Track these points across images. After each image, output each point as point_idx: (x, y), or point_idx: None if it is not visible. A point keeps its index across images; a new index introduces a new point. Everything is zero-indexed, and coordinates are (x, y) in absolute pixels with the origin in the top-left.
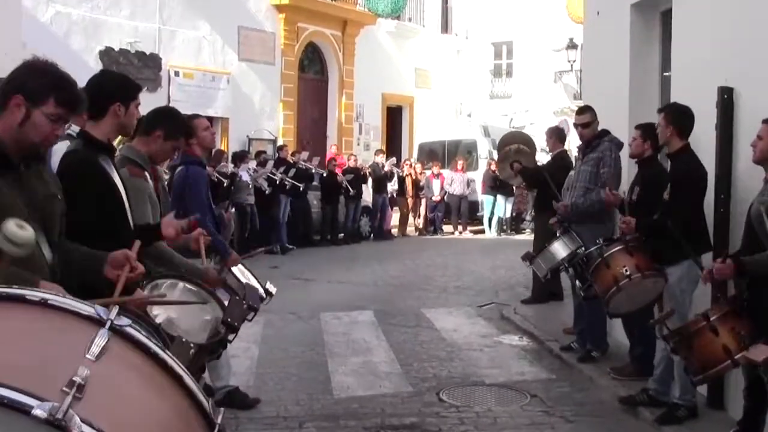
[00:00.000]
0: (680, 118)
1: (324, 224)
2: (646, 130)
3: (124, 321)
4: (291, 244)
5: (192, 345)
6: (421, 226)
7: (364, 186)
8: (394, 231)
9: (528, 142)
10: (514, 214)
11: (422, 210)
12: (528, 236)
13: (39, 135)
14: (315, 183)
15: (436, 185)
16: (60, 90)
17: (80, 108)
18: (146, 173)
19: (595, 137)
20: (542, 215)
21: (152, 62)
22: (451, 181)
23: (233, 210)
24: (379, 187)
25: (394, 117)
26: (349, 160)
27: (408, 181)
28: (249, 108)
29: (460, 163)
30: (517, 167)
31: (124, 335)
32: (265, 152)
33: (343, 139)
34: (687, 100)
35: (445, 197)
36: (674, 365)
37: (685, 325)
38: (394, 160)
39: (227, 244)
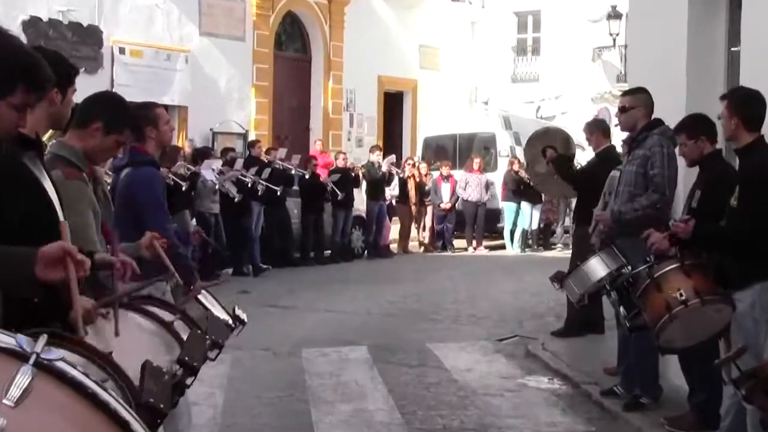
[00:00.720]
0: (747, 105)
1: (306, 238)
2: (694, 128)
3: (53, 354)
4: (265, 264)
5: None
6: (426, 240)
7: (355, 191)
8: (394, 247)
9: (565, 142)
10: (542, 225)
11: (428, 221)
12: (559, 253)
13: (3, 129)
14: (295, 187)
15: (445, 190)
16: (30, 75)
17: (50, 86)
18: (84, 174)
19: (643, 129)
20: (583, 227)
21: (91, 37)
22: (465, 185)
23: (194, 222)
24: (375, 192)
25: (393, 105)
26: (337, 158)
27: (410, 185)
28: (213, 94)
29: (476, 163)
30: (551, 154)
31: (54, 372)
32: (233, 149)
33: (330, 132)
34: (762, 82)
35: (457, 204)
36: (747, 417)
37: (762, 365)
38: (393, 158)
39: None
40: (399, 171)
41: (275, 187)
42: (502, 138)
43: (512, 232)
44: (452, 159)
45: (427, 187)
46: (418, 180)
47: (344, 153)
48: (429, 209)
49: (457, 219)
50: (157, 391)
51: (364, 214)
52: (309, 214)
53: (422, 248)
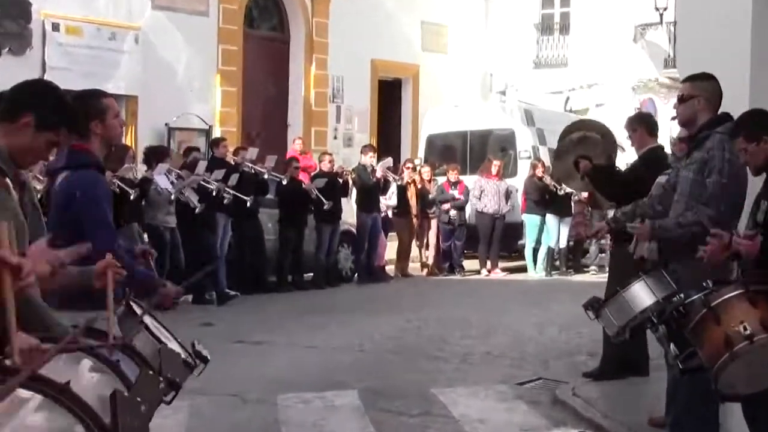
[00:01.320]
0: None
1: (283, 258)
2: (755, 126)
3: None
4: (233, 289)
5: None
6: (430, 261)
7: (344, 201)
8: (391, 269)
9: (602, 132)
10: (571, 243)
11: (432, 237)
12: (594, 277)
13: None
14: (270, 196)
15: (451, 200)
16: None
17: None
18: (8, 180)
19: (704, 126)
20: (623, 245)
21: (16, 9)
22: (480, 194)
23: (146, 237)
24: (368, 202)
25: (389, 96)
26: (321, 161)
27: (410, 193)
28: (168, 82)
29: (495, 166)
30: (585, 166)
31: None
32: (197, 149)
33: (312, 129)
34: None
35: (468, 217)
36: None
37: None
38: (389, 161)
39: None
40: (397, 178)
41: (245, 197)
42: (523, 136)
43: (535, 251)
44: (461, 162)
45: (431, 196)
46: (419, 187)
47: (330, 154)
48: (433, 223)
49: (468, 235)
50: (138, 426)
51: (354, 229)
52: (287, 228)
53: (425, 271)
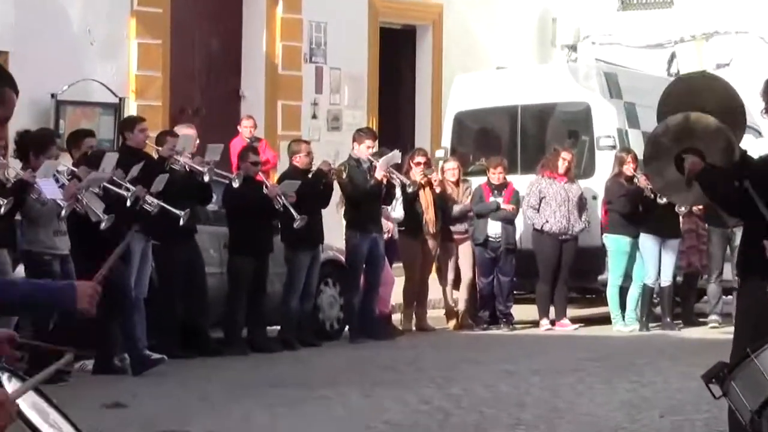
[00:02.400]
0: None
1: (235, 303)
2: None
3: None
4: (157, 351)
5: None
6: (461, 306)
7: (326, 213)
8: (398, 319)
9: (724, 106)
10: (680, 279)
11: (465, 269)
12: (715, 332)
13: None
14: (213, 206)
15: (493, 212)
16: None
17: None
18: None
19: None
20: (757, 281)
21: None
22: (539, 203)
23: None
24: (363, 216)
25: (397, 54)
26: (293, 153)
27: (425, 202)
28: (54, 33)
29: (564, 160)
30: (693, 163)
31: None
32: (91, 135)
33: (278, 104)
34: None
35: (519, 238)
36: None
37: None
38: (395, 156)
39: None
40: (407, 182)
41: (177, 211)
42: (604, 114)
43: (624, 292)
44: (509, 153)
45: (459, 207)
46: (439, 191)
47: (306, 142)
48: (465, 248)
49: (520, 267)
50: None
51: (342, 257)
52: (240, 256)
53: (452, 322)
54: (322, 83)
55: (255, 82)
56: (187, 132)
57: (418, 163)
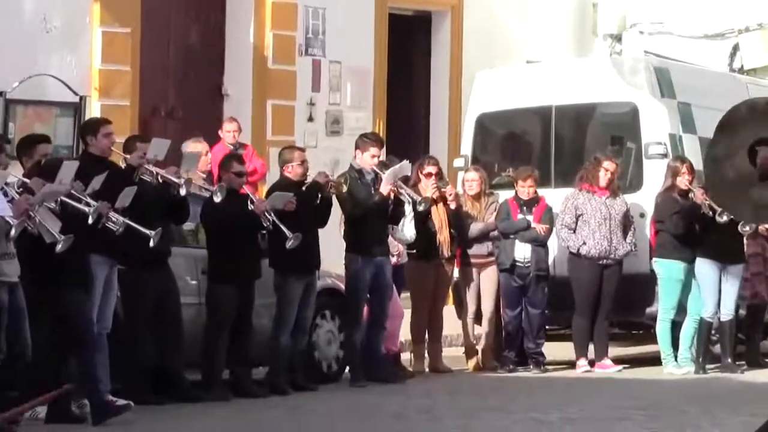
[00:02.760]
0: None
1: (215, 339)
2: None
3: None
4: (123, 396)
5: None
6: (481, 344)
7: (323, 234)
8: (407, 359)
9: None
10: (744, 312)
11: (487, 300)
12: None
13: None
14: (191, 225)
15: (522, 231)
16: None
17: None
18: None
19: None
20: None
21: None
22: (575, 221)
23: None
24: (367, 236)
25: (409, 44)
26: (285, 162)
27: (439, 221)
28: (5, 21)
29: (606, 171)
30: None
31: None
32: (47, 141)
33: (268, 104)
34: None
35: (553, 263)
36: None
37: None
38: (405, 167)
39: None
40: (420, 199)
41: (147, 231)
42: (654, 116)
43: (676, 327)
44: (540, 163)
45: (478, 226)
46: (454, 207)
47: (301, 150)
48: (489, 275)
49: (553, 297)
50: None
51: (341, 286)
52: (221, 284)
53: (472, 362)
54: (319, 79)
55: (240, 78)
56: (194, 148)
57: (429, 174)
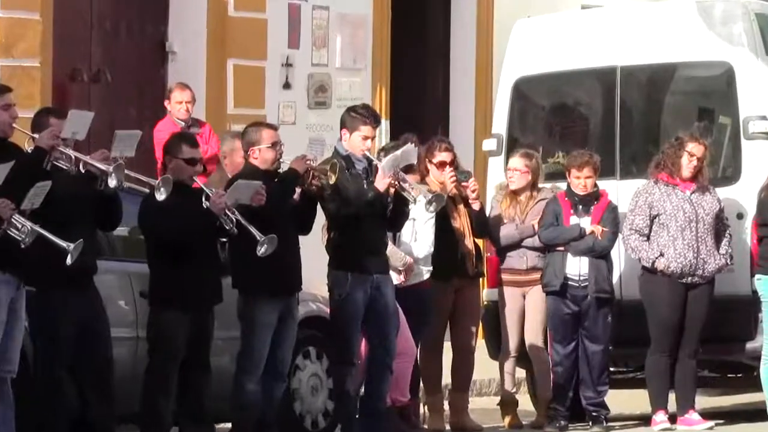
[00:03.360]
0: None
1: (160, 386)
2: None
3: None
4: None
5: None
6: (541, 392)
7: (304, 241)
8: (425, 415)
9: None
10: None
11: (533, 330)
12: None
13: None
14: (124, 229)
15: (579, 243)
16: None
17: None
18: None
19: None
20: None
21: None
22: (649, 224)
23: None
24: (360, 245)
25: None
26: (253, 146)
27: (461, 224)
28: None
29: (690, 158)
30: None
31: None
32: None
33: (229, 65)
34: None
35: (618, 282)
36: None
37: None
38: (409, 150)
39: None
40: (430, 198)
41: (62, 243)
42: (756, 82)
43: None
44: (601, 144)
45: (507, 230)
46: (478, 209)
47: (273, 128)
48: (534, 299)
49: (617, 328)
50: None
51: (327, 313)
52: (168, 309)
53: (510, 417)
54: (299, 32)
55: (190, 30)
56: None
57: (442, 164)
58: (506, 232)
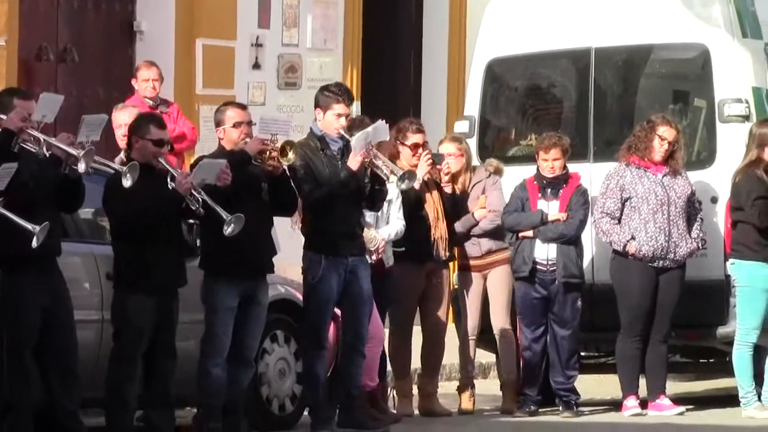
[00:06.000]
0: None
1: (124, 372)
2: None
3: None
4: None
5: None
6: (508, 376)
7: (279, 223)
8: (394, 399)
9: None
10: None
11: (500, 312)
12: None
13: None
14: (89, 211)
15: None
16: None
17: None
18: None
19: None
20: None
21: None
22: (620, 207)
23: None
24: (331, 228)
25: None
26: (217, 122)
27: (434, 208)
28: None
29: (662, 142)
30: None
31: None
32: None
33: (198, 45)
34: None
35: (589, 267)
36: None
37: None
38: (380, 127)
39: None
40: (403, 172)
41: (28, 225)
42: (732, 64)
43: (758, 353)
44: (573, 126)
45: (485, 218)
46: (450, 192)
47: (241, 106)
48: (499, 278)
49: (587, 313)
50: None
51: (299, 297)
52: (133, 292)
53: (465, 397)
54: (269, 10)
55: (159, 10)
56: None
57: (415, 146)
58: (471, 221)
